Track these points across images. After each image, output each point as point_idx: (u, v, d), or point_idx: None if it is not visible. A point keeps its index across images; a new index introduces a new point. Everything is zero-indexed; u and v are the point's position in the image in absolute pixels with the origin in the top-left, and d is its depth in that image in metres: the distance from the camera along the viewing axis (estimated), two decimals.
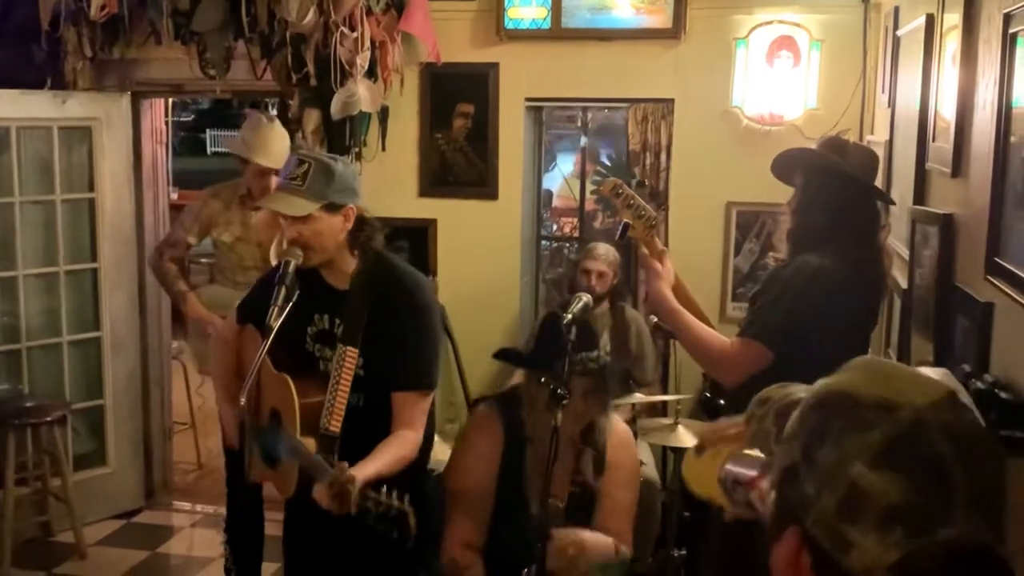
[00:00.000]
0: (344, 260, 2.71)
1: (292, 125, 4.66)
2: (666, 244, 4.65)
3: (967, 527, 0.85)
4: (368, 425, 2.63)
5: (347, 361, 2.61)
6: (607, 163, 8.34)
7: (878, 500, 0.86)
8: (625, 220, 2.87)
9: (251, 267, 4.15)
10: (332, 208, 2.62)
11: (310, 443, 2.53)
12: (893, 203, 3.26)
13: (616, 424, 2.83)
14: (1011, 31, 2.02)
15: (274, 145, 4.12)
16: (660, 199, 4.69)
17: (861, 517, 0.87)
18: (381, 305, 2.66)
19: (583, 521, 2.68)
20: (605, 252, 4.41)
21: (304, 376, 2.65)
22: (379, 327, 2.64)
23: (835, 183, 2.75)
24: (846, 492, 0.88)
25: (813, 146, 2.98)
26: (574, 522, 2.65)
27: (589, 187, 6.20)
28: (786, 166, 2.94)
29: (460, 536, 2.71)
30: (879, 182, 3.50)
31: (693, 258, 4.59)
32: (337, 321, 2.71)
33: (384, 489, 2.29)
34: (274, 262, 3.56)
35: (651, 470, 4.15)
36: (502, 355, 2.87)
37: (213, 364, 3.06)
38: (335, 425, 2.57)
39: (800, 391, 1.01)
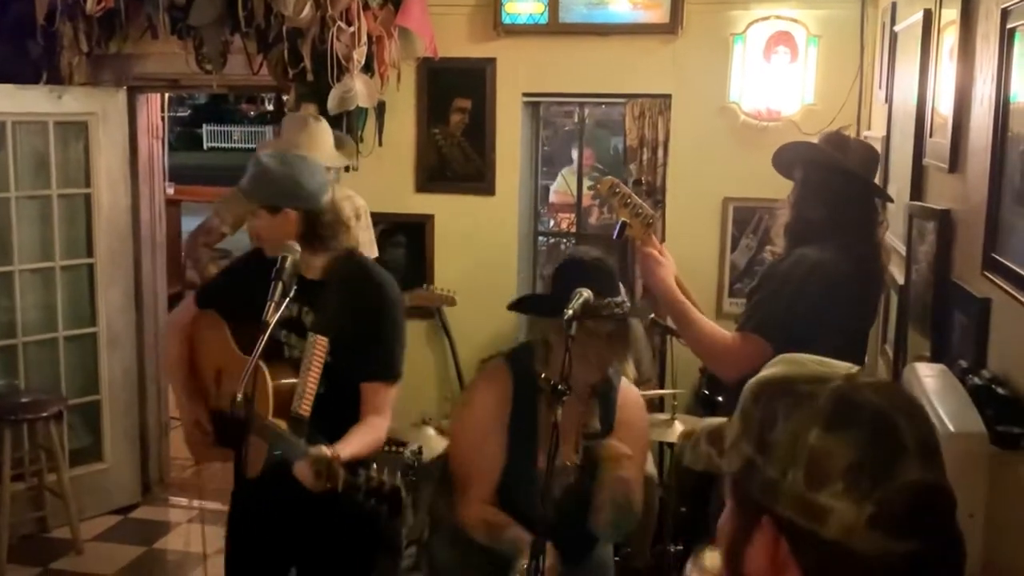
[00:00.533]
0: (306, 254, 2.75)
1: None
2: (663, 240, 4.66)
3: (922, 469, 0.92)
4: (333, 412, 2.70)
5: (317, 349, 2.68)
6: (599, 166, 8.33)
7: (840, 459, 0.92)
8: (622, 219, 2.86)
9: None
10: (271, 209, 2.72)
11: (281, 424, 2.61)
12: (891, 200, 3.26)
13: (625, 384, 2.73)
14: (1009, 26, 2.02)
15: (325, 143, 4.05)
16: (657, 196, 4.69)
17: (829, 481, 0.92)
18: (353, 298, 2.75)
19: (594, 477, 2.57)
20: None
21: (271, 361, 2.69)
22: (350, 320, 2.73)
23: (834, 178, 2.75)
24: (808, 461, 0.93)
25: (814, 141, 2.98)
26: (587, 478, 2.56)
27: (586, 183, 6.19)
28: (786, 160, 2.94)
29: (478, 494, 2.59)
30: (877, 177, 3.51)
31: (690, 254, 4.59)
32: (305, 309, 2.79)
33: (374, 466, 2.42)
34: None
35: (648, 466, 4.15)
36: (518, 305, 2.73)
37: (166, 353, 3.09)
38: (305, 409, 2.64)
39: (717, 419, 1.07)
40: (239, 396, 2.52)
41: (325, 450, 2.41)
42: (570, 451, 2.56)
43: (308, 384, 2.67)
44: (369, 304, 2.77)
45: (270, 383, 2.64)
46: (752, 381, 1.04)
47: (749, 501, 0.98)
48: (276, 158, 2.79)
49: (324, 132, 4.05)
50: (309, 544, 2.80)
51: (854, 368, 1.00)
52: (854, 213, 2.75)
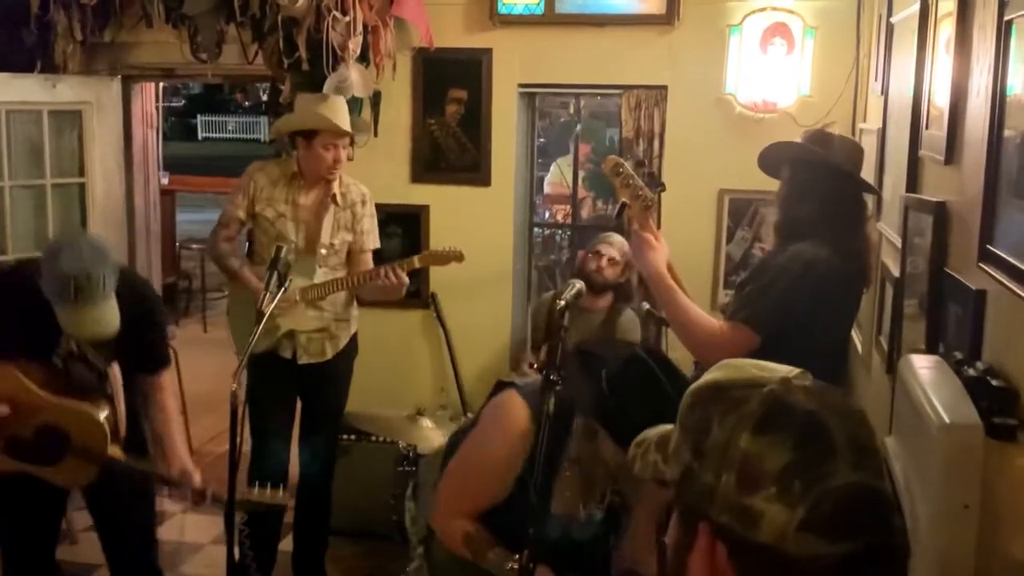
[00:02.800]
0: None
1: (284, 110, 4.64)
2: (658, 228, 4.66)
3: (854, 471, 0.92)
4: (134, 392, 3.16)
5: (116, 377, 3.05)
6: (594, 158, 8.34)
7: (771, 462, 0.92)
8: (623, 200, 2.86)
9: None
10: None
11: (116, 451, 3.00)
12: (878, 193, 3.27)
13: None
14: (1006, 18, 2.01)
15: (344, 113, 4.07)
16: (657, 182, 4.68)
17: (761, 484, 0.92)
18: (127, 317, 2.91)
19: (615, 531, 2.47)
20: (620, 242, 4.39)
21: (74, 391, 3.00)
22: (128, 335, 2.94)
23: (822, 175, 2.78)
24: (741, 465, 0.93)
25: (799, 139, 3.01)
26: (608, 533, 2.47)
27: (581, 174, 6.19)
28: (773, 159, 2.96)
29: (465, 511, 2.53)
30: (871, 170, 3.52)
31: (685, 245, 4.58)
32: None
33: (256, 486, 2.89)
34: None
35: None
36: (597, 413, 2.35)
37: None
38: (124, 429, 3.07)
39: (667, 426, 1.08)
40: (234, 386, 2.58)
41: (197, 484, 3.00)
42: (592, 499, 2.46)
43: (121, 410, 3.06)
44: (140, 315, 3.02)
45: (108, 430, 2.97)
46: (690, 389, 1.05)
47: (688, 508, 0.99)
48: (90, 261, 2.83)
49: (342, 104, 4.11)
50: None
51: (794, 371, 1.00)
52: (843, 209, 2.78)
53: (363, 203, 4.11)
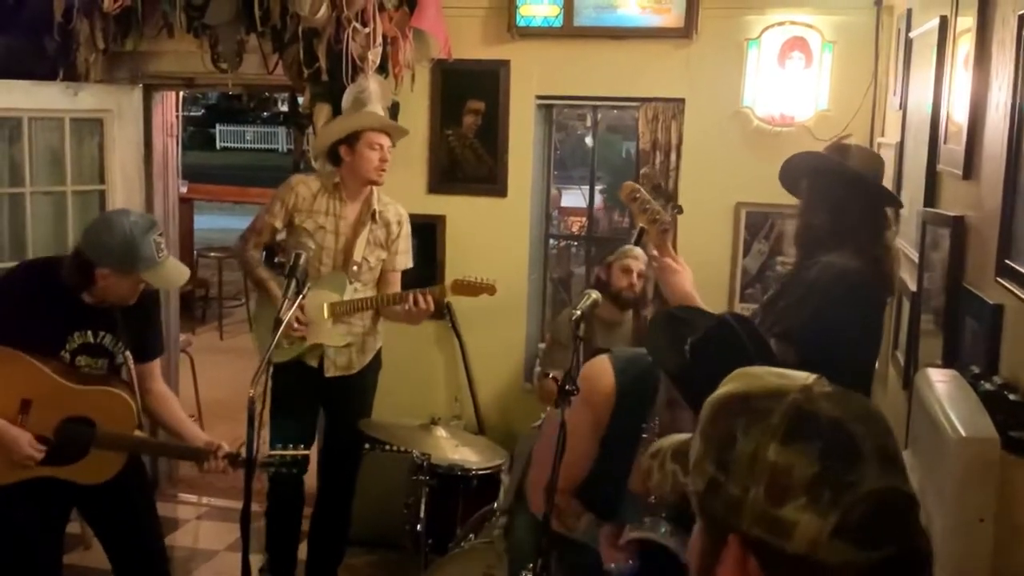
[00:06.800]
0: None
1: (303, 120, 4.67)
2: (675, 244, 4.66)
3: (881, 476, 0.93)
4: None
5: (129, 363, 3.12)
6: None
7: (800, 472, 0.92)
8: (640, 225, 2.86)
9: (327, 260, 4.02)
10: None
11: (140, 433, 3.19)
12: (899, 203, 3.26)
13: None
14: None
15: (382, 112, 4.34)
16: (673, 204, 4.67)
17: (791, 494, 0.92)
18: (138, 308, 3.10)
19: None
20: (641, 254, 4.23)
21: (93, 380, 3.07)
22: (138, 324, 3.14)
23: (837, 183, 2.76)
24: (769, 477, 0.94)
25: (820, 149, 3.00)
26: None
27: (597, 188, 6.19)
28: (792, 173, 2.95)
29: (561, 485, 2.34)
30: (890, 184, 3.51)
31: (702, 258, 4.57)
32: (102, 334, 3.08)
33: (279, 447, 3.13)
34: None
35: None
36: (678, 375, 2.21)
37: None
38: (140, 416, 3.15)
39: (683, 435, 1.08)
40: (251, 392, 2.58)
41: (215, 454, 3.08)
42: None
43: (138, 399, 3.13)
44: (149, 307, 3.19)
45: (135, 410, 3.07)
46: (710, 399, 1.05)
47: (715, 520, 0.99)
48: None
49: (379, 108, 4.30)
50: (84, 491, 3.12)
51: (811, 377, 1.01)
52: (858, 217, 2.75)
53: (399, 223, 4.14)
